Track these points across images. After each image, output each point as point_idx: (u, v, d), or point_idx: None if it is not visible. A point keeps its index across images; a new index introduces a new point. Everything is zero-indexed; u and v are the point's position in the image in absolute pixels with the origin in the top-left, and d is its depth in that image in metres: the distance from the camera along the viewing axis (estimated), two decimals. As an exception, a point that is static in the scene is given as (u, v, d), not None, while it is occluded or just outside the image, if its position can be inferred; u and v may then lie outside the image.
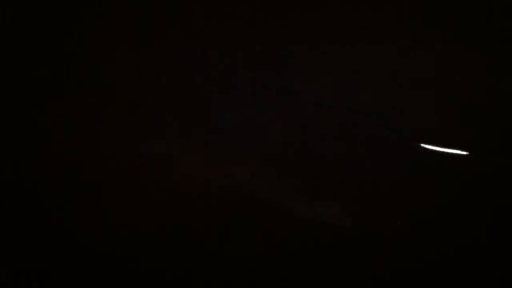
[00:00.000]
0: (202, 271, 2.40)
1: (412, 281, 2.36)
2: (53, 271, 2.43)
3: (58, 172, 2.44)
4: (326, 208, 2.36)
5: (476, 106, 2.37)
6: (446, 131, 2.38)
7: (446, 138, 2.38)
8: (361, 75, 2.41)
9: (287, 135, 2.40)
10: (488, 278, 2.33)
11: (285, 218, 2.38)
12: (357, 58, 2.41)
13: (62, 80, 2.45)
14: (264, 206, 2.39)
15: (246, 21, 2.43)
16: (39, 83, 2.45)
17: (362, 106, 2.39)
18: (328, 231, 2.37)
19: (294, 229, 2.37)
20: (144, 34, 2.44)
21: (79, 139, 2.44)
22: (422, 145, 2.37)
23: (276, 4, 2.42)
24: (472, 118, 2.37)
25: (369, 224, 2.36)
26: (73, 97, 2.44)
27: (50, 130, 2.44)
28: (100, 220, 2.43)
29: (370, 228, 2.36)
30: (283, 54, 2.41)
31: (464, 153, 2.36)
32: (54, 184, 2.44)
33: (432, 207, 2.37)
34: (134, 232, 2.42)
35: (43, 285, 2.42)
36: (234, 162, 2.40)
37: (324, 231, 2.37)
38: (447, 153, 2.37)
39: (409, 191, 2.37)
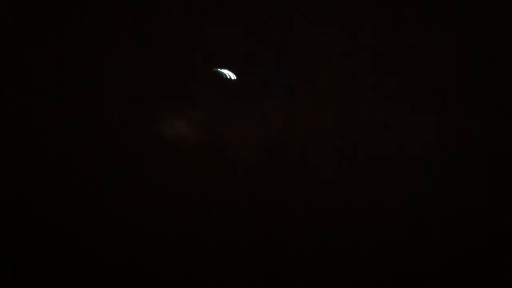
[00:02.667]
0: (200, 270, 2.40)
1: (412, 281, 2.36)
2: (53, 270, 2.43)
3: (59, 171, 2.45)
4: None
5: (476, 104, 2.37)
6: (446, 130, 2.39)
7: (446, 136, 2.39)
8: (358, 72, 2.41)
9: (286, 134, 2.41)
10: (488, 278, 2.33)
11: (284, 218, 2.39)
12: (355, 56, 2.41)
13: (61, 78, 2.46)
14: (264, 207, 2.40)
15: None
16: (38, 81, 2.46)
17: (361, 105, 2.40)
18: (327, 231, 2.37)
19: (293, 229, 2.38)
20: (142, 31, 2.44)
21: (78, 137, 2.45)
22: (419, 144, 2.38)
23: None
24: (473, 117, 2.38)
25: (369, 224, 2.37)
26: (72, 95, 2.45)
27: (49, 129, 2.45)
28: (100, 218, 2.43)
29: (370, 228, 2.37)
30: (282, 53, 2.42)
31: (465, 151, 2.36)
32: (54, 183, 2.45)
33: (432, 206, 2.37)
34: (134, 230, 2.42)
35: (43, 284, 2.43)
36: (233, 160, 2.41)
37: (323, 230, 2.38)
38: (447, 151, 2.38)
39: (408, 190, 2.38)
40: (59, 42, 2.45)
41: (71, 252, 2.42)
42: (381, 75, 2.41)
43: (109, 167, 2.43)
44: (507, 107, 2.36)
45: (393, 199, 2.37)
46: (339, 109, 2.42)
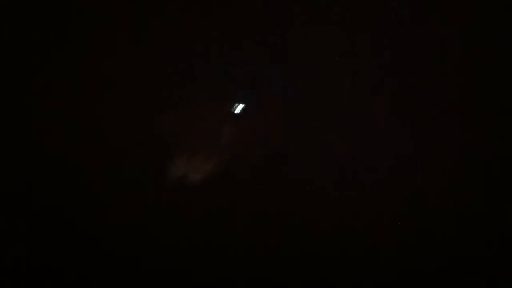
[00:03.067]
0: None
1: (412, 281, 2.37)
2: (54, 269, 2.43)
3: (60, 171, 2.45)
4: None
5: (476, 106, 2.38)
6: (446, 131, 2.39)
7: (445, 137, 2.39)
8: (359, 73, 2.41)
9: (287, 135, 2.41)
10: (488, 278, 2.34)
11: (283, 222, 2.39)
12: (355, 56, 2.41)
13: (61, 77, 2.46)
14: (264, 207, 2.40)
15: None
16: (39, 81, 2.45)
17: (361, 105, 2.40)
18: (327, 233, 2.37)
19: (292, 232, 2.38)
20: (140, 31, 2.44)
21: (79, 138, 2.45)
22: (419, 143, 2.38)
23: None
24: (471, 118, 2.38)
25: (369, 224, 2.37)
26: (73, 95, 2.45)
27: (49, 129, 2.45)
28: (100, 218, 2.44)
29: (370, 228, 2.37)
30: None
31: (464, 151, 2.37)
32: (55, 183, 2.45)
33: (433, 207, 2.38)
34: (133, 231, 2.42)
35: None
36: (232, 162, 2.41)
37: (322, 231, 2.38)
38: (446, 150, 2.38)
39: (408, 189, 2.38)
40: (59, 42, 2.45)
41: (71, 252, 2.43)
42: (382, 75, 2.41)
43: (109, 168, 2.44)
44: (507, 106, 2.37)
45: (394, 200, 2.38)
46: (339, 109, 2.42)
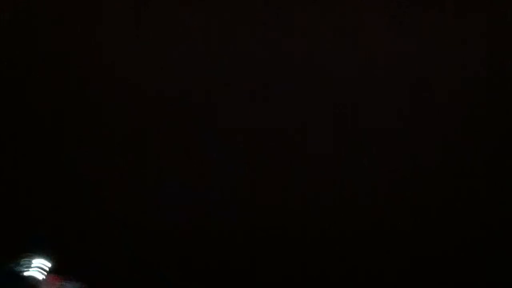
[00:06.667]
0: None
1: (411, 280, 2.37)
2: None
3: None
4: None
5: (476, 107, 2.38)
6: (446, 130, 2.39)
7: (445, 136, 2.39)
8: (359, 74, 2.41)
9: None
10: (487, 277, 2.34)
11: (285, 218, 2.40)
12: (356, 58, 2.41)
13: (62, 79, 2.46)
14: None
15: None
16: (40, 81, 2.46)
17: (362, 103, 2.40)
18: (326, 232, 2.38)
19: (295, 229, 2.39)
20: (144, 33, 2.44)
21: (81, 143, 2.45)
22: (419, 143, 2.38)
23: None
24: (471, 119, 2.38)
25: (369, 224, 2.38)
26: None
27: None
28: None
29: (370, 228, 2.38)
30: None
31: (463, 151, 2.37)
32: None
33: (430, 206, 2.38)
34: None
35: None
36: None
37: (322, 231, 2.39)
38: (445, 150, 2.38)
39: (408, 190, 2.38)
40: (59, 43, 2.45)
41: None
42: (385, 79, 2.41)
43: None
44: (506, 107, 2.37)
45: (393, 201, 2.38)
46: (339, 110, 2.42)
